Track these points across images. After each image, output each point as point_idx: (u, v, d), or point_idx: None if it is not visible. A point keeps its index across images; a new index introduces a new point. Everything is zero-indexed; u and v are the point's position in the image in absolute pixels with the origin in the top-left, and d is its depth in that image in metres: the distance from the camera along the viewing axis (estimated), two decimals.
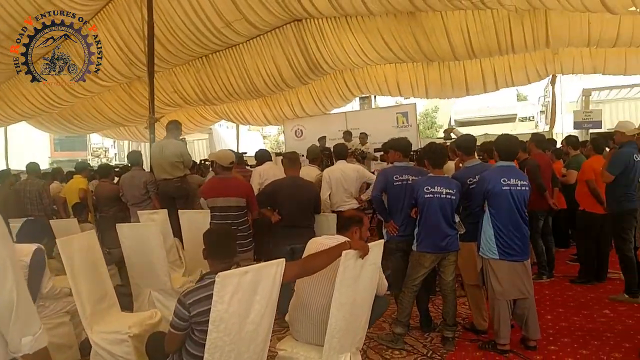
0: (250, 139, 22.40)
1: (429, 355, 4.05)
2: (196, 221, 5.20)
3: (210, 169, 8.08)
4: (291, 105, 13.92)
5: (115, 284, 5.57)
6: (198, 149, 17.84)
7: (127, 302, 4.96)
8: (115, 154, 33.29)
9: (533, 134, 6.53)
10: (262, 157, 6.53)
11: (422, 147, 8.69)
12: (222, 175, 4.89)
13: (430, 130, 31.40)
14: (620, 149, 5.17)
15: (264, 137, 35.28)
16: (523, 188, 3.94)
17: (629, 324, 4.53)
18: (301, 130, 13.78)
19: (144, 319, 3.81)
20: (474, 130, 22.34)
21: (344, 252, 2.80)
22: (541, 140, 6.29)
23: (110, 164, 12.15)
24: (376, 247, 3.05)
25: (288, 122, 14.24)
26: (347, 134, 11.21)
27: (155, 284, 4.61)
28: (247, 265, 2.70)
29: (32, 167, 7.23)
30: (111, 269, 6.20)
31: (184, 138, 9.71)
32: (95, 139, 33.69)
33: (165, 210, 5.70)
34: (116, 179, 7.45)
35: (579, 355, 3.92)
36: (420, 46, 9.79)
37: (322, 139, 11.16)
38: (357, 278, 2.93)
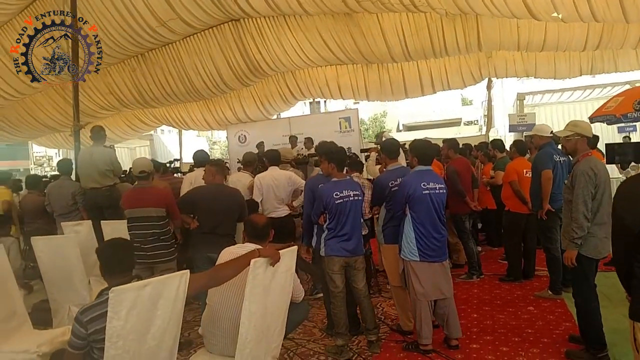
0: (197, 145, 22.00)
1: (354, 358, 4.06)
2: (120, 232, 5.00)
3: None
4: (233, 109, 13.73)
5: (39, 299, 5.37)
6: (139, 156, 17.25)
7: (48, 318, 4.75)
8: None
9: (446, 140, 6.70)
10: (200, 159, 6.29)
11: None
12: (139, 185, 4.74)
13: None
14: (540, 150, 5.37)
15: (214, 142, 34.86)
16: (441, 191, 4.03)
17: (549, 319, 4.68)
18: (245, 136, 13.65)
19: (56, 336, 3.65)
20: (420, 134, 22.87)
21: (252, 261, 2.76)
22: (456, 145, 6.46)
23: (39, 174, 11.47)
24: (288, 254, 3.01)
25: (232, 128, 14.07)
26: (293, 139, 11.16)
27: (74, 299, 4.42)
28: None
29: None
30: (36, 283, 5.93)
31: (112, 145, 9.39)
32: (38, 148, 32.31)
33: (90, 222, 5.49)
34: None
35: (499, 352, 4.02)
36: (358, 46, 9.95)
37: (261, 145, 11.08)
38: (268, 286, 2.89)
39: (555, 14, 6.77)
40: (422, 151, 4.14)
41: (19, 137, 15.01)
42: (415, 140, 4.42)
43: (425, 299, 3.95)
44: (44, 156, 33.99)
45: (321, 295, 4.98)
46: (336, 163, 4.15)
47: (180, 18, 8.86)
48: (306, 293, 5.17)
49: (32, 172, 22.19)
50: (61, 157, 31.60)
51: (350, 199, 4.04)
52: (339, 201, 4.00)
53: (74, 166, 6.89)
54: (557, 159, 5.27)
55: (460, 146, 6.92)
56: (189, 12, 8.74)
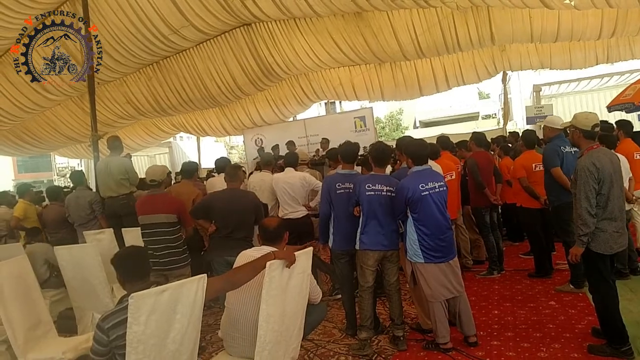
0: (215, 151, 22.17)
1: (373, 358, 4.07)
2: (141, 239, 5.10)
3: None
4: (249, 114, 13.81)
5: (64, 307, 5.49)
6: (159, 163, 17.49)
7: (73, 325, 4.86)
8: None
9: (473, 133, 6.64)
10: (222, 166, 6.46)
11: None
12: (151, 192, 4.83)
13: (397, 132, 31.79)
14: (547, 144, 5.31)
15: (232, 147, 35.08)
16: (441, 189, 4.00)
17: (571, 314, 4.62)
18: (261, 139, 13.76)
19: (80, 342, 3.74)
20: (437, 130, 22.72)
21: (268, 263, 2.79)
22: (480, 139, 6.37)
23: (59, 185, 11.68)
24: (304, 256, 3.04)
25: (248, 132, 14.19)
26: (291, 144, 11.01)
27: (97, 306, 4.50)
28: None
29: None
30: (61, 292, 6.05)
31: (129, 154, 9.49)
32: (61, 159, 32.96)
33: (111, 230, 5.61)
34: None
35: (520, 348, 3.98)
36: (369, 46, 9.93)
37: (276, 148, 11.14)
38: (285, 288, 2.91)
39: (567, 1, 6.64)
40: (415, 150, 4.09)
41: (41, 149, 15.31)
42: (404, 141, 4.43)
43: (434, 300, 3.94)
44: (67, 167, 34.61)
45: (340, 296, 5.00)
46: (374, 159, 4.24)
47: (192, 25, 8.93)
48: (325, 294, 5.22)
49: (55, 183, 22.65)
50: (83, 167, 32.25)
51: (383, 193, 4.07)
52: (369, 193, 4.06)
53: (91, 175, 7.00)
54: (566, 150, 5.15)
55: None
56: (200, 18, 8.81)
